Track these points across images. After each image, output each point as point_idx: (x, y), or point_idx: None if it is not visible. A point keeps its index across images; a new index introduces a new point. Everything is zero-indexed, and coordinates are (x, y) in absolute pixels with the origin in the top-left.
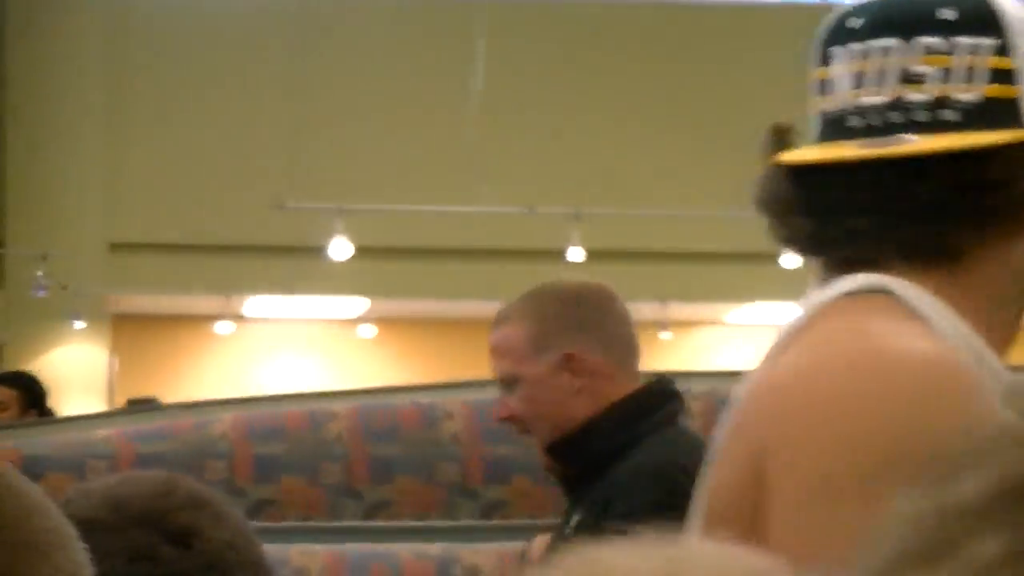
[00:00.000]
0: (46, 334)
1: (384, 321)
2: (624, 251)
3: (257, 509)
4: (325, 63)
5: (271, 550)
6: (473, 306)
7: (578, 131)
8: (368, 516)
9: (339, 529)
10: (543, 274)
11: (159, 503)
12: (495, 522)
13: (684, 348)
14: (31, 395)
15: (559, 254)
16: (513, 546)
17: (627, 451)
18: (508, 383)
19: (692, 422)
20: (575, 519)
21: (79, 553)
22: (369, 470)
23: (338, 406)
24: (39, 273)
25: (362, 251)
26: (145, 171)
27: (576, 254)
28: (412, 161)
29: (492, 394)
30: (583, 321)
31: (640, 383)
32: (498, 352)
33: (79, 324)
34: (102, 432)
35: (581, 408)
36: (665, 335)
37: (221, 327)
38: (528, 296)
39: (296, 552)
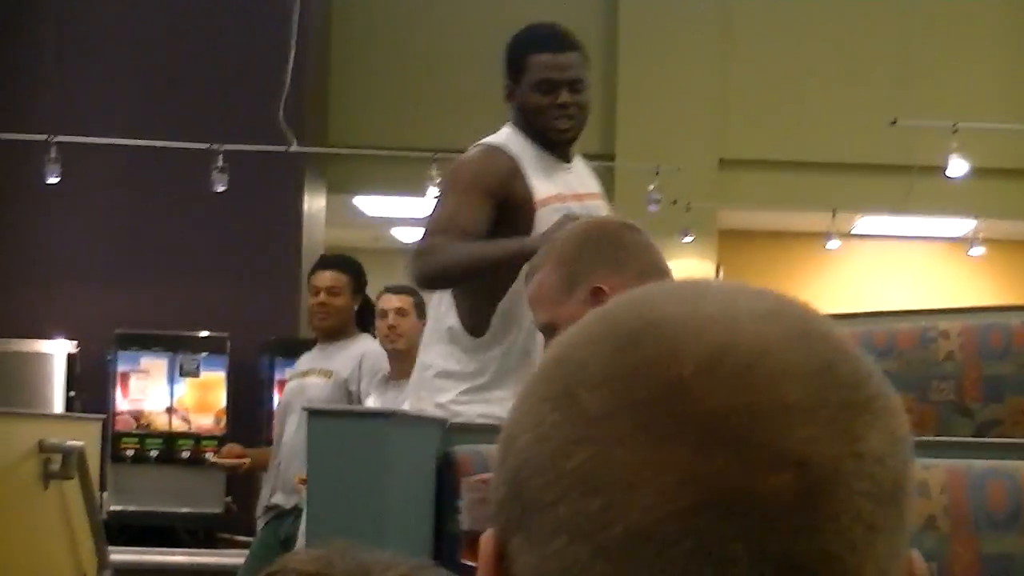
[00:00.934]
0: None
1: (993, 242)
2: None
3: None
4: None
5: None
6: None
7: None
8: (978, 434)
9: (952, 444)
10: None
11: None
12: None
13: None
14: (359, 281)
15: None
16: None
17: None
18: (549, 331)
19: None
20: None
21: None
22: (981, 389)
23: (947, 324)
24: (651, 187)
25: (974, 171)
26: (755, 88)
27: None
28: None
29: None
30: (607, 256)
31: None
32: (534, 302)
33: (687, 238)
34: None
35: None
36: None
37: (832, 244)
38: (552, 242)
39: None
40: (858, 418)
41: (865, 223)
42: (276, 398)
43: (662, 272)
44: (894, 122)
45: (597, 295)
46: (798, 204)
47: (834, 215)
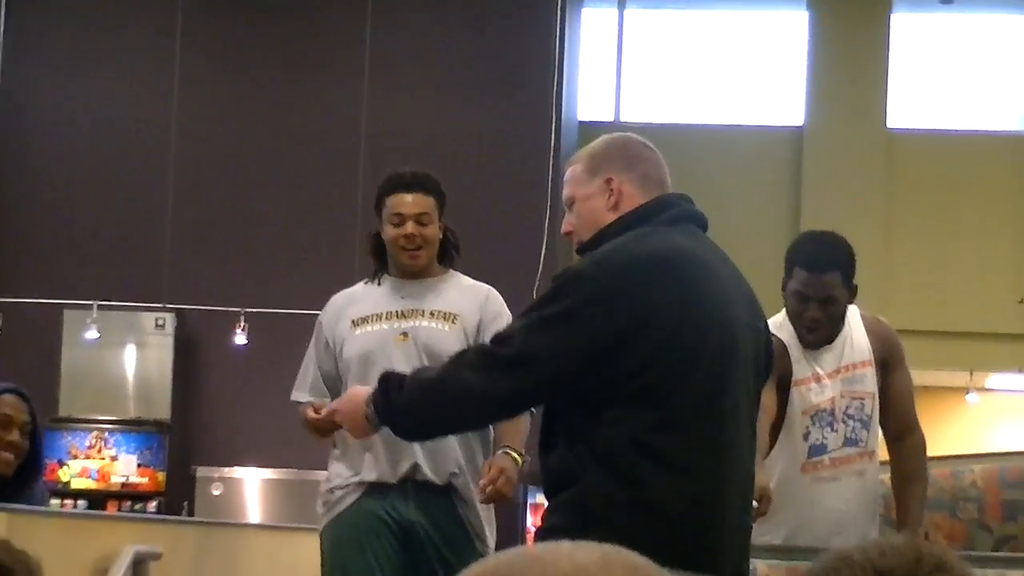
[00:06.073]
0: None
1: None
2: None
3: (1001, 544)
4: None
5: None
6: None
7: None
8: (996, 547)
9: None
10: None
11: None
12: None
13: None
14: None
15: None
16: None
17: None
18: (569, 204)
19: None
20: None
21: None
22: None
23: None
24: None
25: None
26: (911, 266)
27: None
28: None
29: None
30: (623, 158)
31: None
32: (567, 183)
33: None
34: None
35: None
36: None
37: (971, 398)
38: (588, 145)
39: None
40: None
41: (996, 380)
42: None
43: (662, 183)
44: (1022, 301)
45: (608, 183)
46: (939, 365)
47: (971, 375)
